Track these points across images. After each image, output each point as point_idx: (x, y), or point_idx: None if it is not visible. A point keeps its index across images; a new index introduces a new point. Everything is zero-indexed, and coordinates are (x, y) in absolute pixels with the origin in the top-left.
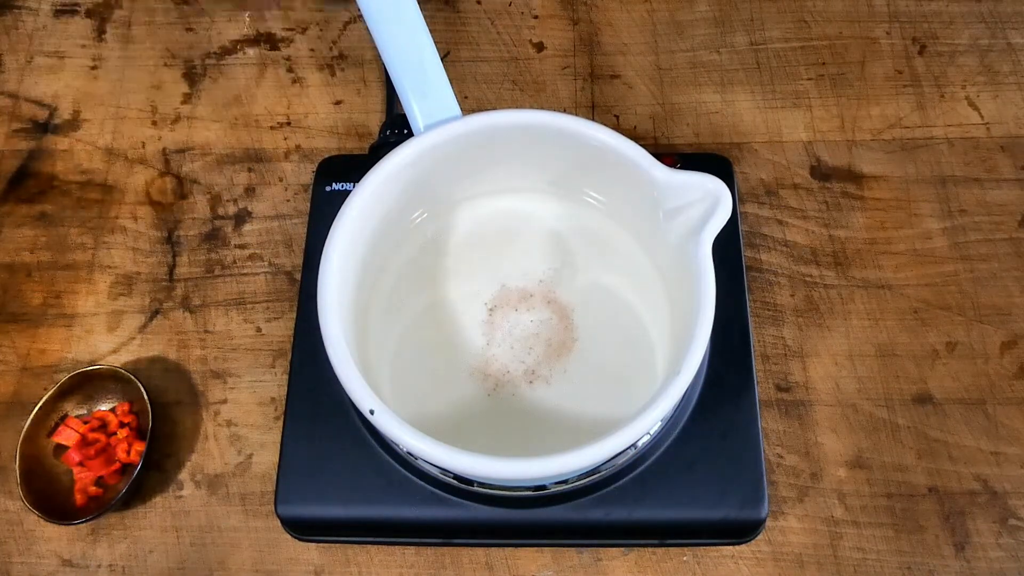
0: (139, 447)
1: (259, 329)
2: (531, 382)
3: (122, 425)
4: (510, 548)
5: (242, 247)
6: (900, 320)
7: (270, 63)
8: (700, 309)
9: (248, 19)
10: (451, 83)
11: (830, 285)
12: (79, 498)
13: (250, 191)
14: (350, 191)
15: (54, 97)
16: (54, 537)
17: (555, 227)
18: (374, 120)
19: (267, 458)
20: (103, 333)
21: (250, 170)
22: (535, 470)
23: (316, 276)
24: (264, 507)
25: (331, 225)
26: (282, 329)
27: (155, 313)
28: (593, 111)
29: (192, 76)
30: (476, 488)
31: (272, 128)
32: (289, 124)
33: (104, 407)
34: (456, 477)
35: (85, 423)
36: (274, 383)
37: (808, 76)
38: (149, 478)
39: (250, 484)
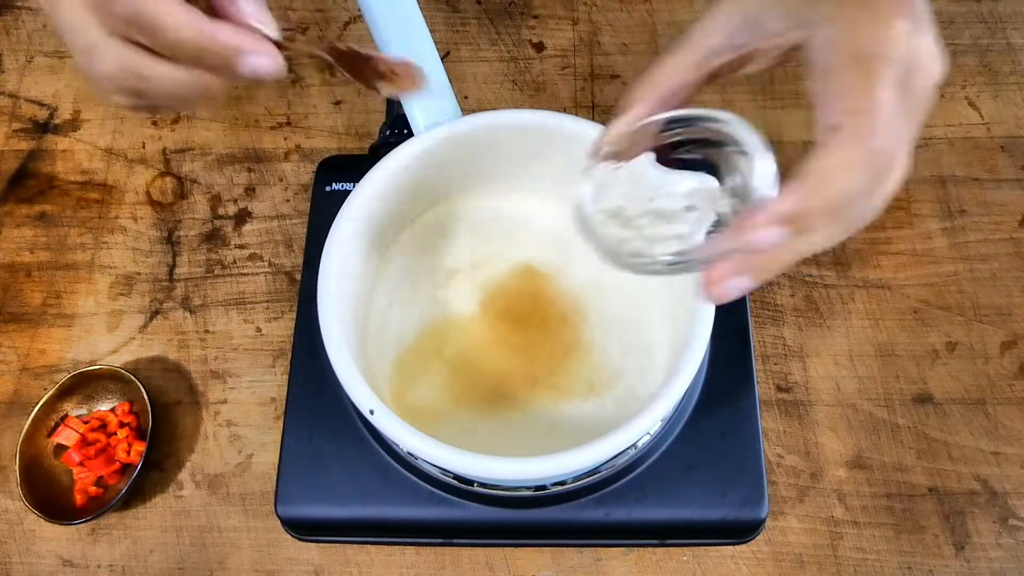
0: (139, 447)
1: (259, 329)
2: (532, 383)
3: (122, 425)
4: (510, 548)
5: (242, 247)
6: (900, 320)
7: None
8: (700, 309)
9: None
10: (451, 83)
11: (830, 285)
12: (79, 498)
13: (250, 191)
14: (350, 191)
15: (54, 97)
16: (54, 537)
17: (555, 227)
18: (374, 120)
19: (267, 458)
20: (103, 333)
21: (250, 170)
22: (535, 470)
23: (316, 276)
24: (264, 507)
25: (331, 225)
26: (282, 329)
27: (155, 313)
28: (593, 111)
29: None
30: (476, 488)
31: (272, 128)
32: (289, 124)
33: (104, 407)
34: (456, 477)
35: (85, 423)
36: (274, 383)
37: None
38: (149, 478)
39: (250, 484)
